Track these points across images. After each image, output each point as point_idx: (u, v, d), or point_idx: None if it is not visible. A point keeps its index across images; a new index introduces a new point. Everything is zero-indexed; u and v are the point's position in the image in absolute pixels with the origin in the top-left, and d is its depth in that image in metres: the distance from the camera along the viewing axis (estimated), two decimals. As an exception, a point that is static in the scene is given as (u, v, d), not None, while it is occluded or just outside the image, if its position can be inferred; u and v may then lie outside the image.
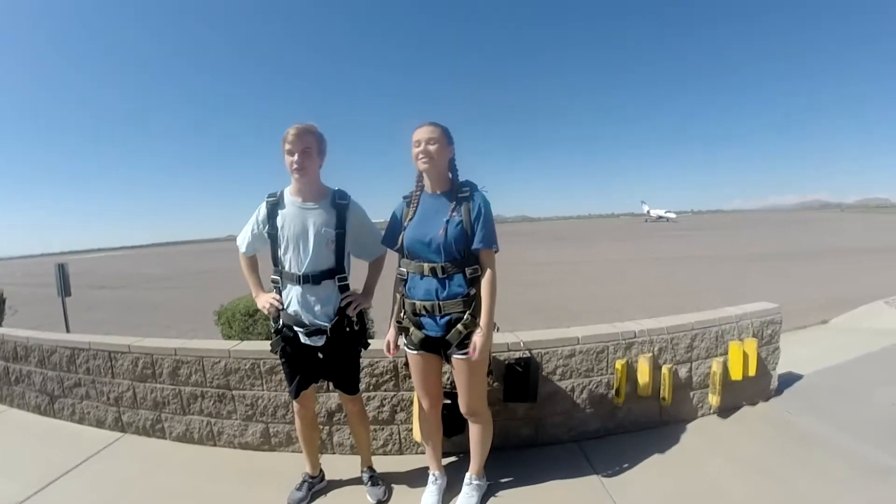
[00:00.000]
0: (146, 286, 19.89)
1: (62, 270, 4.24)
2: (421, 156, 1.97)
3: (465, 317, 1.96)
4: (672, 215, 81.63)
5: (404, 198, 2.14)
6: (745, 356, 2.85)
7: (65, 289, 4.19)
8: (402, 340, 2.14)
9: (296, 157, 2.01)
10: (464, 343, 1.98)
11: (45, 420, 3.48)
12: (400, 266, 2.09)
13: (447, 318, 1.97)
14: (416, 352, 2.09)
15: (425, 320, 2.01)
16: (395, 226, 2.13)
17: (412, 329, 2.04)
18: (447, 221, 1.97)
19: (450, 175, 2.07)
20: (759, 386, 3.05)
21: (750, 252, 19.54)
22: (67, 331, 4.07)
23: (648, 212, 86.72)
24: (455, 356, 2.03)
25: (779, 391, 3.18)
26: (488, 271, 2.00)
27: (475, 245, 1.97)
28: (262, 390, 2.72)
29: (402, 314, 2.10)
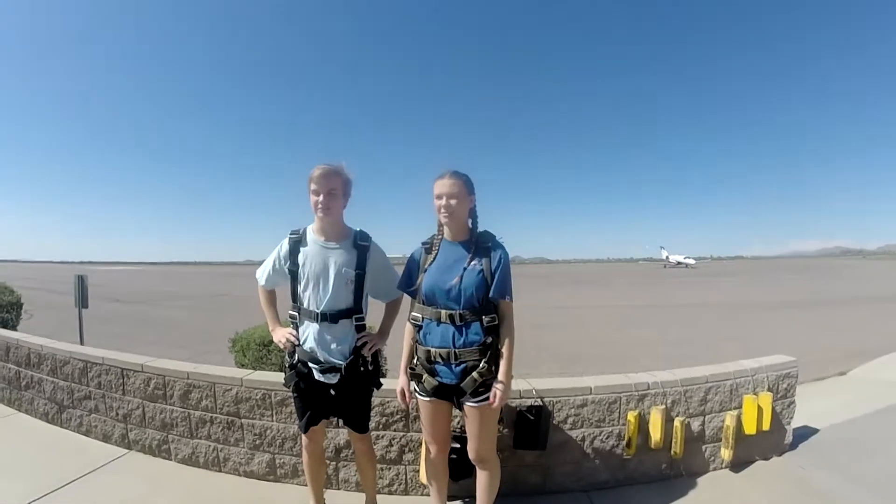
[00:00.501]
0: (162, 303, 20.09)
1: (81, 282, 4.32)
2: (443, 210, 2.01)
3: (480, 365, 1.95)
4: (691, 261, 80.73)
5: (423, 244, 2.15)
6: (760, 410, 2.80)
7: (83, 300, 4.26)
8: (412, 386, 2.13)
9: (321, 198, 2.04)
10: (478, 391, 1.98)
11: (52, 428, 3.51)
12: (413, 311, 2.10)
13: (463, 365, 1.97)
14: (427, 399, 2.08)
15: (440, 367, 2.00)
16: (412, 270, 2.15)
17: (425, 376, 2.04)
18: (465, 269, 1.98)
19: (469, 224, 2.10)
20: (774, 440, 2.98)
21: (768, 300, 19.31)
22: (81, 342, 4.13)
23: (667, 257, 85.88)
24: (468, 404, 2.02)
25: (793, 446, 3.11)
26: (507, 322, 2.01)
27: (492, 295, 1.98)
28: (272, 421, 2.72)
29: (414, 361, 2.09)
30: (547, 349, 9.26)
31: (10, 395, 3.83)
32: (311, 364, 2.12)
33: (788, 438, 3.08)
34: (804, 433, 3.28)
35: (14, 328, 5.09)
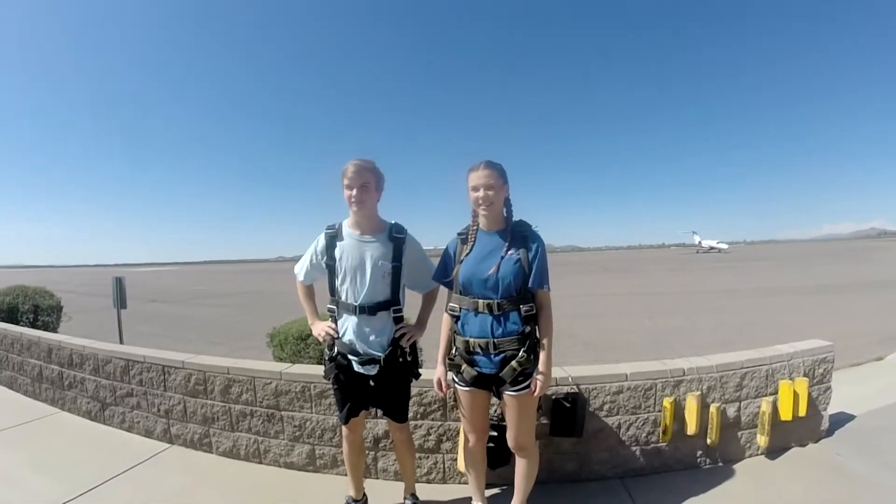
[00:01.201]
0: (198, 302, 20.56)
1: (119, 284, 4.48)
2: (481, 202, 2.02)
3: (519, 354, 1.98)
4: (724, 246, 79.01)
5: (459, 234, 2.17)
6: (796, 396, 2.77)
7: (121, 301, 4.42)
8: (450, 376, 2.16)
9: (354, 192, 2.08)
10: (517, 380, 2.00)
11: (94, 426, 3.63)
12: (451, 302, 2.12)
13: (502, 355, 1.99)
14: (467, 388, 2.11)
15: (479, 358, 2.03)
16: (447, 261, 2.17)
17: (464, 366, 2.06)
18: (502, 258, 2.00)
19: (504, 213, 2.11)
20: (810, 426, 2.95)
21: (803, 284, 18.87)
22: (121, 342, 4.28)
23: (700, 242, 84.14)
24: (508, 393, 2.04)
25: (830, 432, 3.06)
26: (545, 311, 2.03)
27: (531, 284, 2.00)
28: (311, 413, 2.79)
29: (453, 351, 2.12)
30: (580, 337, 9.26)
31: (54, 394, 3.98)
32: (350, 356, 2.17)
33: (825, 425, 3.03)
34: (840, 419, 3.23)
35: (55, 331, 5.29)
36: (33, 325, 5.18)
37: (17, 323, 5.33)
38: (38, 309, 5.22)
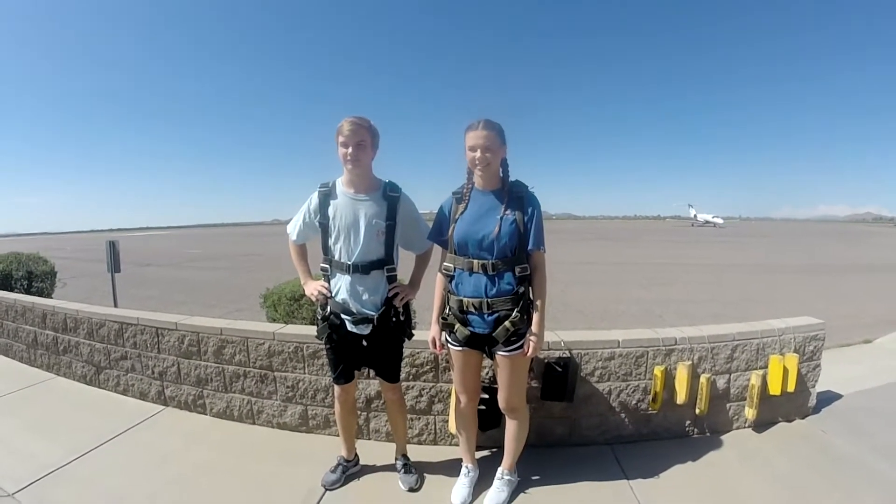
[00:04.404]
0: (192, 266, 20.48)
1: (113, 248, 4.44)
2: (478, 163, 1.99)
3: (513, 314, 1.98)
4: (719, 220, 78.64)
5: (454, 193, 2.14)
6: (786, 371, 2.79)
7: (115, 265, 4.39)
8: (444, 336, 2.17)
9: (350, 150, 2.05)
10: (510, 340, 2.01)
11: (90, 389, 3.66)
12: (445, 262, 2.11)
13: (495, 315, 1.99)
14: (459, 348, 2.12)
15: (472, 317, 2.03)
16: (442, 221, 2.14)
17: (457, 326, 2.06)
18: (501, 219, 1.98)
19: (501, 174, 2.09)
20: (797, 402, 2.98)
21: (797, 263, 18.97)
22: (115, 306, 4.26)
23: (695, 215, 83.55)
24: (500, 353, 2.05)
25: (817, 409, 3.10)
26: (540, 273, 2.03)
27: (530, 246, 1.99)
28: (304, 373, 2.81)
29: (447, 311, 2.12)
30: (573, 305, 9.33)
31: (49, 360, 3.99)
32: (343, 315, 2.17)
33: (812, 402, 3.07)
34: (828, 398, 3.27)
35: (49, 296, 5.28)
36: (27, 292, 5.17)
37: (10, 290, 5.31)
38: (32, 275, 5.20)
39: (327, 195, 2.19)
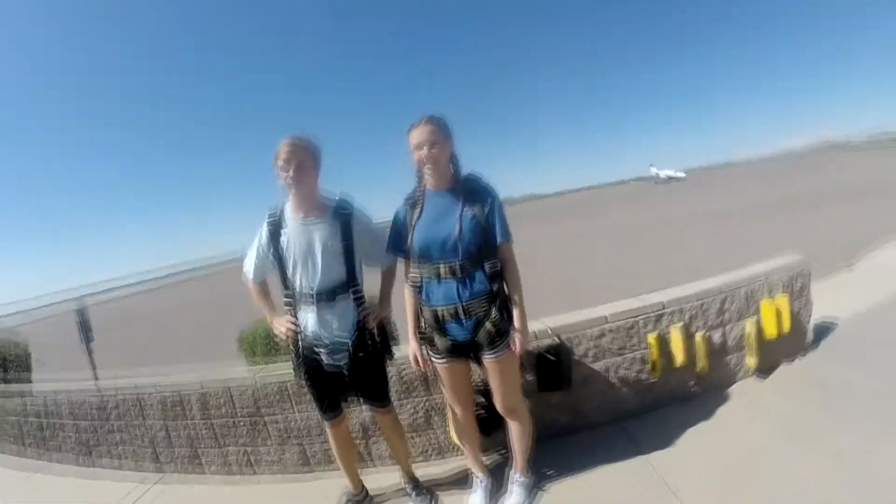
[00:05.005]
0: (165, 319, 20.30)
1: (82, 315, 4.24)
2: (426, 160, 1.89)
3: (492, 314, 1.89)
4: (681, 174, 79.47)
5: (406, 199, 2.03)
6: (778, 312, 2.77)
7: (86, 335, 4.19)
8: (425, 350, 2.06)
9: (290, 173, 1.93)
10: (494, 342, 1.92)
11: (84, 470, 3.50)
12: (411, 272, 2.00)
13: (474, 319, 1.91)
14: (444, 361, 2.02)
15: (450, 326, 1.94)
16: (399, 230, 2.02)
17: (436, 337, 1.97)
18: (460, 217, 1.88)
19: (452, 170, 1.98)
20: (795, 341, 2.97)
21: (763, 201, 19.37)
22: (95, 378, 4.08)
23: (657, 174, 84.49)
24: (487, 357, 1.96)
25: (815, 343, 3.11)
26: (511, 265, 1.95)
27: (499, 240, 1.90)
28: (293, 412, 2.69)
29: (422, 324, 2.02)
30: (550, 284, 9.33)
31: (38, 447, 3.82)
32: (317, 349, 2.06)
33: (809, 337, 3.08)
34: (823, 330, 3.28)
35: (28, 381, 5.03)
36: (5, 381, 4.94)
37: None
38: (6, 362, 4.98)
39: (277, 224, 2.06)
